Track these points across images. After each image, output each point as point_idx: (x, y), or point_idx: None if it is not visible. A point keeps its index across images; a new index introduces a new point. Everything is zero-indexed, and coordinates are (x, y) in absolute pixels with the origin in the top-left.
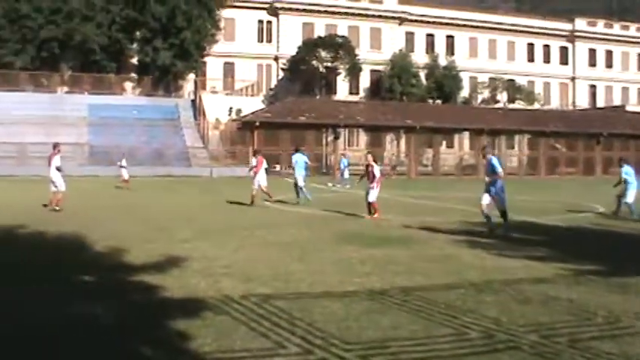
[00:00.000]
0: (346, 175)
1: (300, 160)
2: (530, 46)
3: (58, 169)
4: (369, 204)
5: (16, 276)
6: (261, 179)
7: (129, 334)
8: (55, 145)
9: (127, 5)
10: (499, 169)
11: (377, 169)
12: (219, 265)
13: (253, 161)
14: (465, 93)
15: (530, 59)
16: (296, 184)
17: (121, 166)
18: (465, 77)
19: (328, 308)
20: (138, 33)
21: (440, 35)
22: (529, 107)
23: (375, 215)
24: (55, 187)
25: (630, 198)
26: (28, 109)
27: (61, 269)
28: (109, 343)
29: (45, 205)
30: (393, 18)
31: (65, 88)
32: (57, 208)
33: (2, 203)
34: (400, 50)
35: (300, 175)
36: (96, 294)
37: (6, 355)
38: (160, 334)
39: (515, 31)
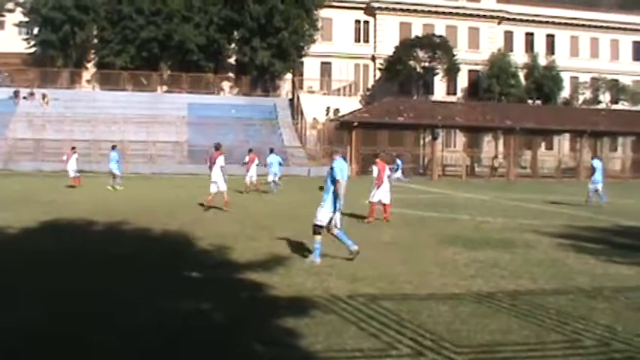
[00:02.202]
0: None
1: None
2: (636, 44)
3: (222, 169)
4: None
5: (126, 272)
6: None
7: (240, 330)
8: (218, 146)
9: (225, 6)
10: None
11: (375, 170)
12: (324, 265)
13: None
14: (565, 93)
15: (636, 58)
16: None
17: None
18: (565, 77)
19: (435, 310)
20: (236, 33)
21: (539, 34)
22: (634, 108)
23: (370, 218)
24: (217, 187)
25: None
26: (128, 108)
27: (169, 265)
28: (222, 339)
29: (202, 205)
30: (492, 17)
31: (164, 88)
32: (224, 208)
33: (103, 199)
34: (499, 50)
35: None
36: (205, 290)
37: (126, 350)
38: (270, 331)
39: (619, 28)
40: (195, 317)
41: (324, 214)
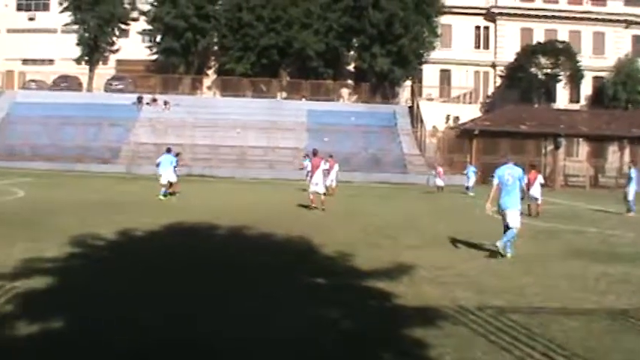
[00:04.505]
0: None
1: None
2: None
3: (323, 172)
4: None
5: (251, 278)
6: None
7: (369, 339)
8: (316, 152)
9: (345, 13)
10: None
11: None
12: (450, 275)
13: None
14: None
15: None
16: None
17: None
18: None
19: (566, 325)
20: (355, 40)
21: None
22: None
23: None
24: (317, 189)
25: None
26: (248, 114)
27: (293, 272)
28: (351, 348)
29: (306, 207)
30: (618, 21)
31: (284, 94)
32: (321, 207)
33: (227, 204)
34: (626, 55)
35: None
36: (332, 298)
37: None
38: (398, 341)
39: None
40: (323, 325)
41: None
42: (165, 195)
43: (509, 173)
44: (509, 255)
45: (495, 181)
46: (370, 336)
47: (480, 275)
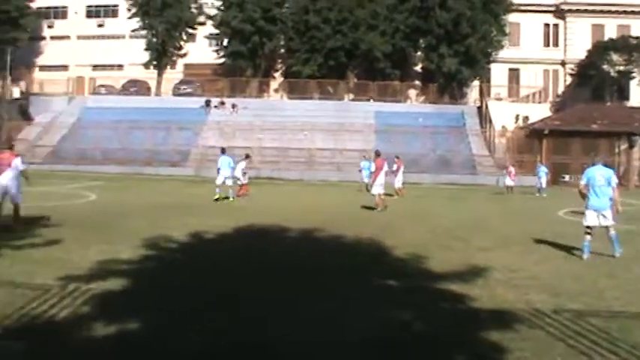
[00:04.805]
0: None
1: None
2: None
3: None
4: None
5: (325, 279)
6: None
7: (442, 342)
8: (379, 153)
9: (412, 14)
10: None
11: (373, 166)
12: (524, 277)
13: (372, 166)
14: None
15: None
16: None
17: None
18: None
19: None
20: (422, 40)
21: None
22: None
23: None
24: (378, 189)
25: None
26: (315, 116)
27: (365, 274)
28: (425, 351)
29: (371, 208)
30: None
31: (351, 96)
32: (379, 208)
33: (296, 206)
34: None
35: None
36: (405, 300)
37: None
38: (474, 344)
39: None
40: (396, 327)
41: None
42: (219, 197)
43: (600, 174)
44: (617, 254)
45: (583, 182)
46: (444, 339)
47: (554, 278)
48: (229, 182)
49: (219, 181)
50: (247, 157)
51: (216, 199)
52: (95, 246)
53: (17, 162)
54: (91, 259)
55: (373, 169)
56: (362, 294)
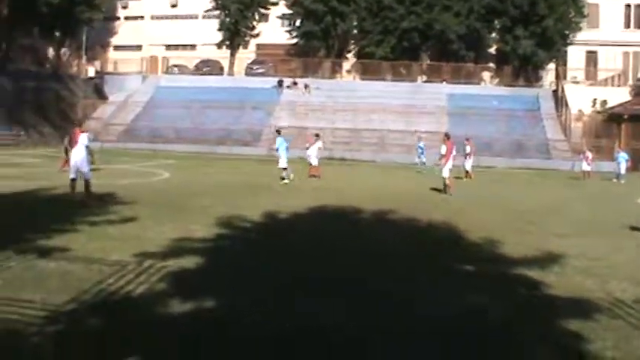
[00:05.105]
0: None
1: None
2: None
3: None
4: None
5: (399, 263)
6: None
7: (519, 329)
8: (449, 136)
9: None
10: None
11: (443, 148)
12: (602, 265)
13: (443, 148)
14: None
15: None
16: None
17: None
18: None
19: None
20: (497, 22)
21: None
22: None
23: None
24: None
25: None
26: (388, 98)
27: (439, 258)
28: (499, 337)
29: (439, 190)
30: None
31: (424, 77)
32: (449, 192)
33: (368, 188)
34: None
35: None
36: (480, 285)
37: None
38: (551, 332)
39: None
40: (471, 314)
41: None
42: (283, 179)
43: None
44: None
45: None
46: (520, 327)
47: (634, 266)
48: (284, 164)
49: (282, 164)
50: (317, 136)
51: (283, 179)
52: (170, 224)
53: (83, 138)
54: (166, 236)
55: (443, 151)
56: (435, 278)
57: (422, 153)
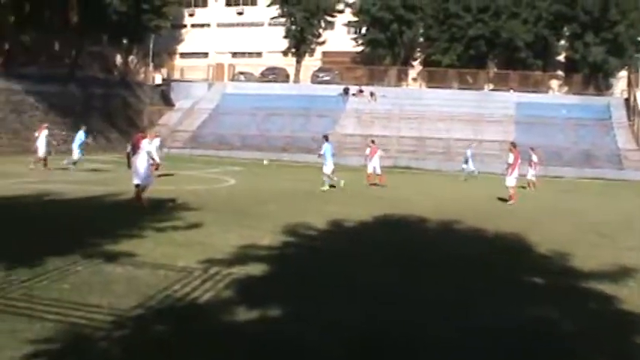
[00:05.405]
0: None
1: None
2: None
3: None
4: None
5: (463, 273)
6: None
7: (588, 344)
8: (515, 145)
9: (556, 0)
10: None
11: (510, 157)
12: None
13: (510, 157)
14: None
15: None
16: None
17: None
18: None
19: None
20: (566, 28)
21: None
22: None
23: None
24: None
25: None
26: (454, 106)
27: (508, 269)
28: (567, 350)
29: (503, 200)
30: None
31: (490, 86)
32: (510, 202)
33: (433, 197)
34: None
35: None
36: (550, 298)
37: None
38: (624, 347)
39: None
40: (541, 325)
41: None
42: (331, 186)
43: None
44: None
45: None
46: (589, 340)
47: None
48: (328, 170)
49: (327, 170)
50: (373, 142)
51: (332, 186)
52: (235, 230)
53: (144, 143)
54: (232, 243)
55: (511, 160)
56: (504, 290)
57: (466, 161)
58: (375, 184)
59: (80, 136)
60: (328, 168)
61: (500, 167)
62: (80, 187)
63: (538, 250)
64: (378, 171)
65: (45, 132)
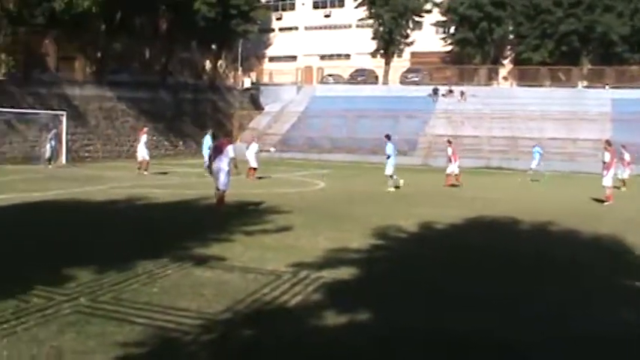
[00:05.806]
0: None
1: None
2: None
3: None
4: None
5: (560, 277)
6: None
7: None
8: (609, 143)
9: None
10: None
11: (607, 156)
12: None
13: (606, 156)
14: None
15: None
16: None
17: None
18: None
19: None
20: None
21: None
22: None
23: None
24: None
25: None
26: (546, 105)
27: (603, 271)
28: None
29: (599, 201)
30: None
31: (584, 83)
32: (606, 203)
33: (525, 197)
34: None
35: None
36: None
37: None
38: None
39: None
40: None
41: None
42: (397, 187)
43: None
44: None
45: None
46: None
47: None
48: (390, 171)
49: (388, 171)
50: (450, 143)
51: (397, 187)
52: (325, 233)
53: (229, 149)
54: (321, 246)
55: (607, 159)
56: (604, 293)
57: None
58: (454, 185)
59: (207, 140)
60: (390, 169)
61: (596, 166)
62: (173, 191)
63: (638, 253)
64: (457, 170)
65: (145, 136)
